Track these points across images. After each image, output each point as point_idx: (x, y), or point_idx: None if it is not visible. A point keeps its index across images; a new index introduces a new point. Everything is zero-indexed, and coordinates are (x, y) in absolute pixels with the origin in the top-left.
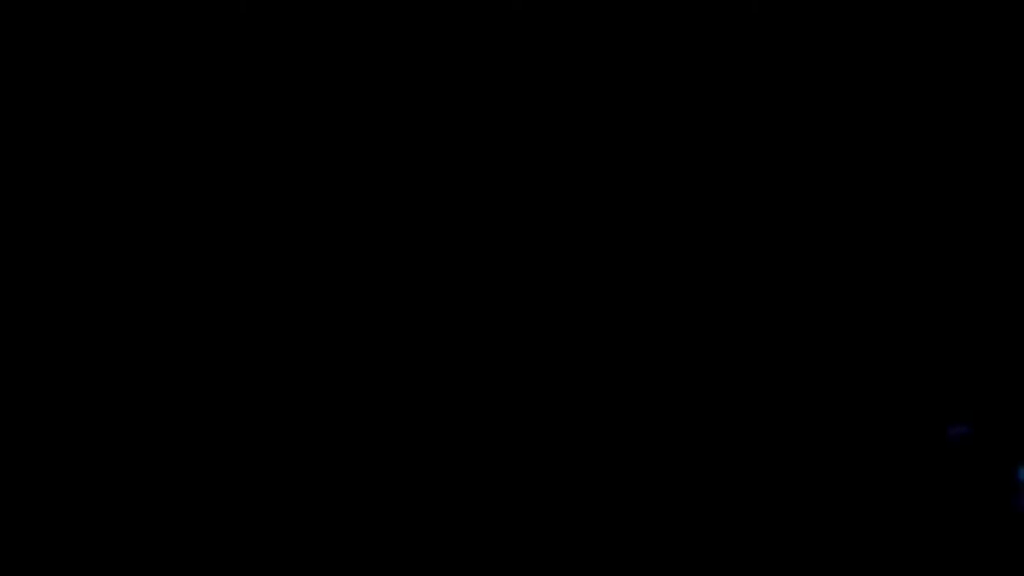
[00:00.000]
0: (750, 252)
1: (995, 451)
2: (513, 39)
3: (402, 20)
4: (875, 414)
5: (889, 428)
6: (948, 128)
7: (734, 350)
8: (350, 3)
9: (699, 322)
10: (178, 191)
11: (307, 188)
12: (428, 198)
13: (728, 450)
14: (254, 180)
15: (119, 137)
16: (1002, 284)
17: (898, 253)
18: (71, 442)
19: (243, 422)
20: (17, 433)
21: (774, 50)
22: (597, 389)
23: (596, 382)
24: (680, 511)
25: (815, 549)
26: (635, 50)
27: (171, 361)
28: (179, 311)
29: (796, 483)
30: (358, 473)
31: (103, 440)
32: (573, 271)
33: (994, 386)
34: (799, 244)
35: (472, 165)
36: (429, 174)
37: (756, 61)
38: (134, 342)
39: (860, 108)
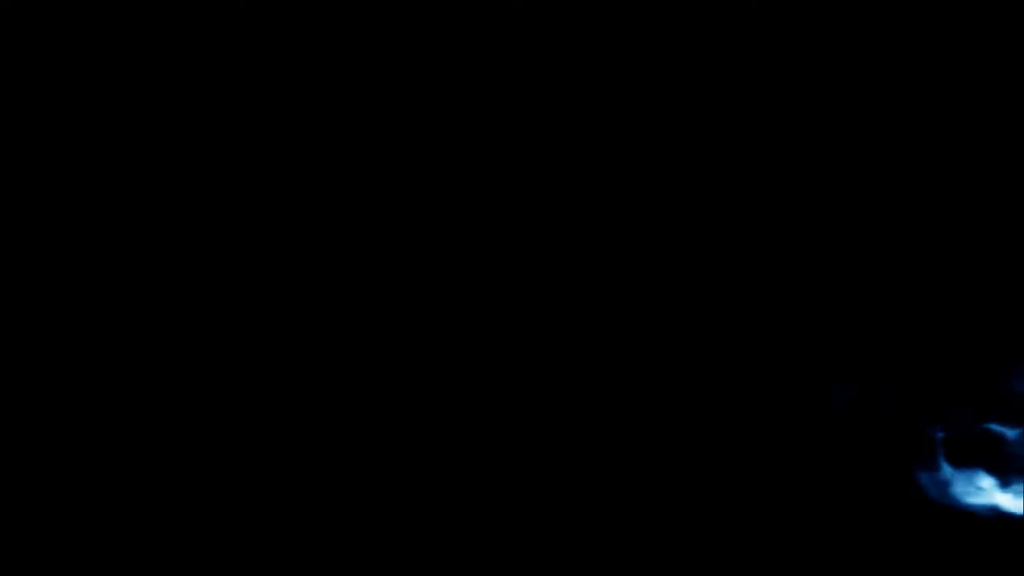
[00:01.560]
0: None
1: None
2: (513, 39)
3: (402, 20)
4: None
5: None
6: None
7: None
8: (351, 3)
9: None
10: (177, 190)
11: (306, 187)
12: (427, 197)
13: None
14: (253, 179)
15: (119, 136)
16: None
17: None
18: (70, 441)
19: (241, 418)
20: (17, 433)
21: (774, 50)
22: (591, 384)
23: (590, 378)
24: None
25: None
26: (634, 50)
27: (170, 359)
28: (178, 309)
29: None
30: (357, 471)
31: (102, 438)
32: (570, 268)
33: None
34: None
35: (472, 164)
36: (428, 173)
37: (756, 61)
38: (133, 340)
39: (847, 106)
